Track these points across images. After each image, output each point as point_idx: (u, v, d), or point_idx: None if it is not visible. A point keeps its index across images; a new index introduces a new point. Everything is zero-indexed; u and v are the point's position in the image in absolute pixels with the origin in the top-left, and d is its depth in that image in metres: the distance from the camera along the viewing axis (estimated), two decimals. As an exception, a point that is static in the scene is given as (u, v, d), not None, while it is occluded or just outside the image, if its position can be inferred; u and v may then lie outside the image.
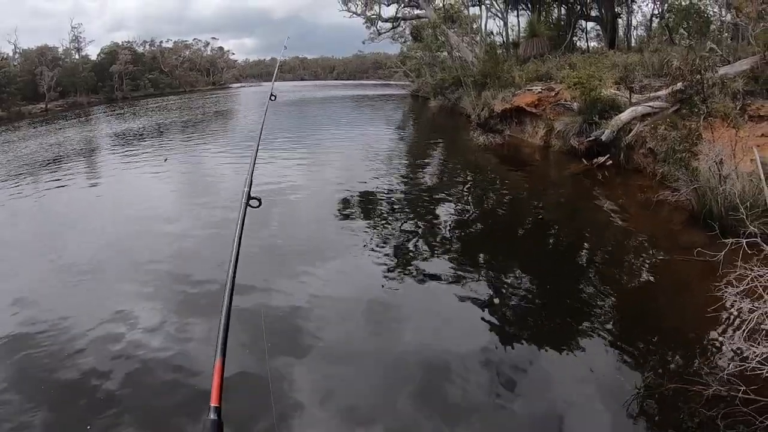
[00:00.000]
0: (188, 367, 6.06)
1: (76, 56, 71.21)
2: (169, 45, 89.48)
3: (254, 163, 1.81)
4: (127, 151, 24.02)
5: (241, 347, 6.30)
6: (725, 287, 5.16)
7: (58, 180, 17.66)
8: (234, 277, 1.38)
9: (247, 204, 1.54)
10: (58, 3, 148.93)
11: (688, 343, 6.03)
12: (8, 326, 7.12)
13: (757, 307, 4.71)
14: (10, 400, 5.56)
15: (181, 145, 25.23)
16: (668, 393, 5.02)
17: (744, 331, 4.70)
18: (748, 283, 4.96)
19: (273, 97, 3.35)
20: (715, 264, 6.02)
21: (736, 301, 4.99)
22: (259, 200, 1.60)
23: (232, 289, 1.38)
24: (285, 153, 20.40)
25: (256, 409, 5.14)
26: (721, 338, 5.87)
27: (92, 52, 74.99)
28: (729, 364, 4.90)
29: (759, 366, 4.36)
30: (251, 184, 1.56)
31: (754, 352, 4.44)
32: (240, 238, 1.45)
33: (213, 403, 1.15)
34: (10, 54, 64.17)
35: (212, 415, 1.13)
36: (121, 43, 79.02)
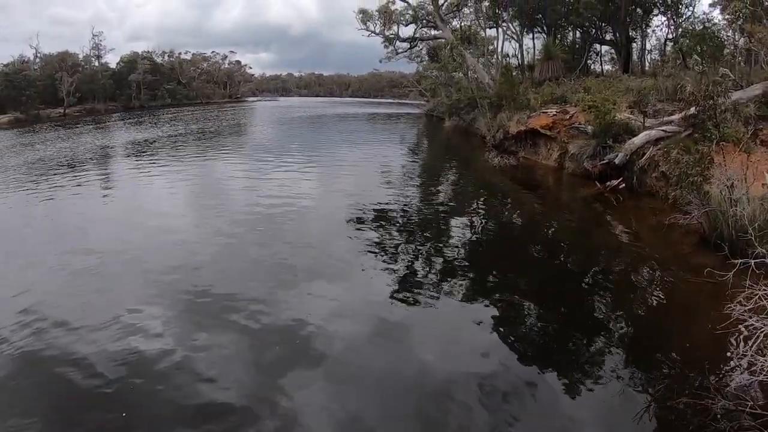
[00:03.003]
0: (191, 372, 6.23)
1: (96, 63, 72.71)
2: (188, 57, 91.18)
3: None
4: (141, 159, 24.42)
5: (250, 359, 6.56)
6: (734, 306, 5.33)
7: (74, 184, 18.01)
8: None
9: None
10: (79, 11, 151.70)
11: (697, 359, 6.15)
12: (16, 327, 7.28)
13: (764, 324, 4.87)
14: (14, 402, 5.74)
15: (197, 155, 25.51)
16: (678, 406, 5.17)
17: (751, 346, 4.85)
18: (756, 302, 5.13)
19: None
20: (725, 284, 6.18)
21: (744, 318, 5.14)
22: None
23: None
24: (300, 168, 20.69)
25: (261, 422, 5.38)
26: (729, 354, 6.01)
27: (111, 60, 76.55)
28: (737, 378, 5.06)
29: (766, 379, 4.51)
30: None
31: (762, 367, 4.60)
32: None
33: None
34: (31, 58, 65.93)
35: None
36: (140, 53, 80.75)
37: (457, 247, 11.12)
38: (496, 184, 18.72)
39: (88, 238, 11.65)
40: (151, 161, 23.58)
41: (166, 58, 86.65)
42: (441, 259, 10.25)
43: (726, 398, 4.98)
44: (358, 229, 12.09)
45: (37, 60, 66.28)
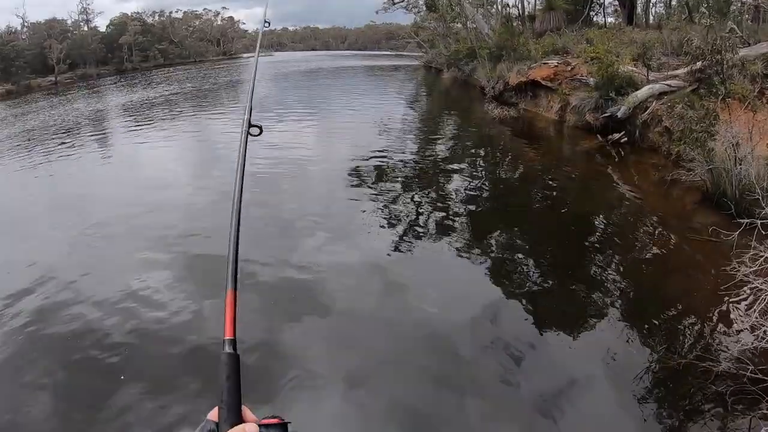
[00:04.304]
0: (199, 330, 6.31)
1: (85, 28, 70.96)
2: (179, 15, 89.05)
3: (253, 90, 1.78)
4: (136, 122, 24.16)
5: (252, 312, 6.54)
6: (738, 267, 5.27)
7: (71, 150, 17.86)
8: (240, 206, 1.36)
9: (248, 132, 1.51)
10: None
11: (699, 321, 6.15)
12: (25, 293, 7.34)
13: (769, 288, 4.82)
14: (26, 366, 5.79)
15: (192, 115, 25.23)
16: (678, 368, 5.16)
17: (755, 309, 4.81)
18: (761, 264, 5.07)
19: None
20: (728, 244, 6.12)
21: (748, 280, 5.09)
22: (260, 128, 1.53)
23: (238, 220, 1.35)
24: (297, 123, 20.46)
25: (269, 371, 5.38)
26: (732, 317, 6.00)
27: (101, 24, 74.76)
28: (739, 342, 5.04)
29: (768, 345, 4.50)
30: (251, 111, 1.54)
31: (765, 331, 4.57)
32: (243, 168, 1.42)
33: (227, 336, 1.15)
34: (19, 28, 64.27)
35: (228, 348, 1.12)
36: (130, 14, 78.96)
37: (457, 199, 11.12)
38: (496, 136, 18.54)
39: (88, 202, 11.68)
40: (147, 123, 23.30)
41: (156, 18, 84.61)
42: (441, 212, 10.26)
43: (727, 361, 4.97)
44: (359, 183, 12.09)
45: (25, 29, 64.68)
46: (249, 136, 1.50)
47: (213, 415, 1.07)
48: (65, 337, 6.28)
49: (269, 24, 2.79)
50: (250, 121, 1.51)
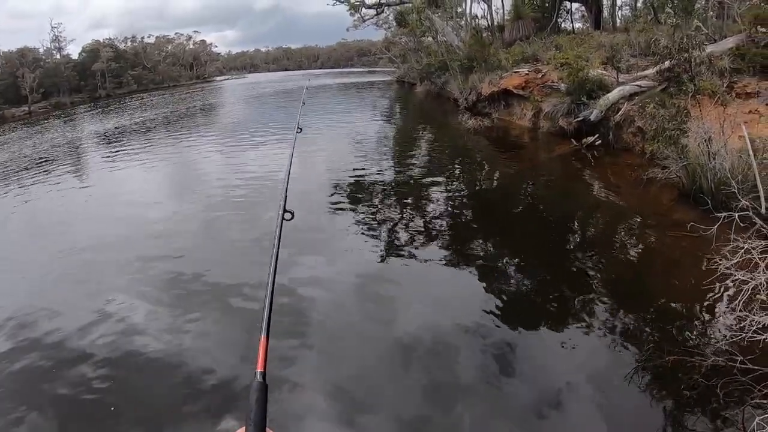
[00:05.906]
0: (180, 358, 6.15)
1: (57, 56, 70.60)
2: (151, 40, 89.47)
3: (288, 179, 2.10)
4: (113, 149, 23.91)
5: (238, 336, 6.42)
6: (719, 260, 5.27)
7: (47, 181, 17.53)
8: (275, 274, 1.65)
9: (283, 216, 1.81)
10: (37, 3, 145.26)
11: (685, 316, 6.15)
12: (3, 327, 7.15)
13: (751, 278, 4.82)
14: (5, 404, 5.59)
15: (169, 140, 25.02)
16: (667, 365, 5.14)
17: (740, 301, 4.81)
18: (741, 255, 5.07)
19: (299, 130, 3.33)
20: (707, 239, 6.13)
21: (730, 273, 5.09)
22: (292, 213, 1.84)
23: (273, 282, 1.63)
24: (276, 142, 20.36)
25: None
26: (717, 310, 6.01)
27: (73, 51, 74.46)
28: (726, 334, 5.03)
29: (756, 335, 4.48)
30: (286, 198, 1.85)
31: (751, 322, 4.55)
32: (278, 244, 1.73)
33: (259, 369, 1.35)
34: (-10, 57, 63.65)
35: (259, 378, 1.32)
36: (102, 41, 78.80)
37: (436, 212, 11.05)
38: (472, 147, 18.61)
39: (67, 232, 11.46)
40: (124, 151, 22.94)
41: (129, 44, 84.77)
42: (422, 224, 10.21)
43: (716, 354, 4.95)
44: (338, 200, 12.03)
45: (-4, 58, 64.22)
46: (284, 220, 1.83)
47: None
48: (48, 369, 6.09)
49: (301, 130, 3.37)
50: (285, 207, 1.85)
